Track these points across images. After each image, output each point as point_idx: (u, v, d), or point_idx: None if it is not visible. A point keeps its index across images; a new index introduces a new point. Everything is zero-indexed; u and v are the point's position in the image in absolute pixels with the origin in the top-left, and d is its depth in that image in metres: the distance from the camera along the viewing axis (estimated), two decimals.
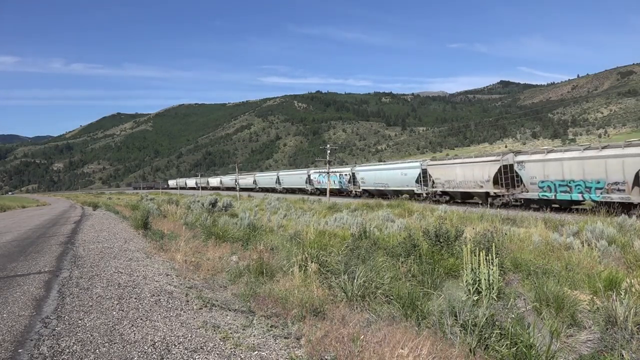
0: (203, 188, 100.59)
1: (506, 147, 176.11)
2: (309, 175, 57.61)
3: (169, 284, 6.04)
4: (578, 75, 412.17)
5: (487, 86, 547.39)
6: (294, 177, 61.78)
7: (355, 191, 43.80)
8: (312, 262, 6.47)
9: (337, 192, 47.38)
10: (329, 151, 44.15)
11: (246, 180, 77.69)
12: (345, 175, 46.49)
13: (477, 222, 15.34)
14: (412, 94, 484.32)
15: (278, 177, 65.91)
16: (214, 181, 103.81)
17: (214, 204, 24.95)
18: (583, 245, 9.72)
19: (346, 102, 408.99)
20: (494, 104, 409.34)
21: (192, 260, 8.01)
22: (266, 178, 73.23)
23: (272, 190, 66.11)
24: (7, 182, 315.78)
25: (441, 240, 8.78)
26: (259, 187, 73.24)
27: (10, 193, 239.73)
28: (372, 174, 41.27)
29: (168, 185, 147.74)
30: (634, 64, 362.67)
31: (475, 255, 5.86)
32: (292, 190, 60.45)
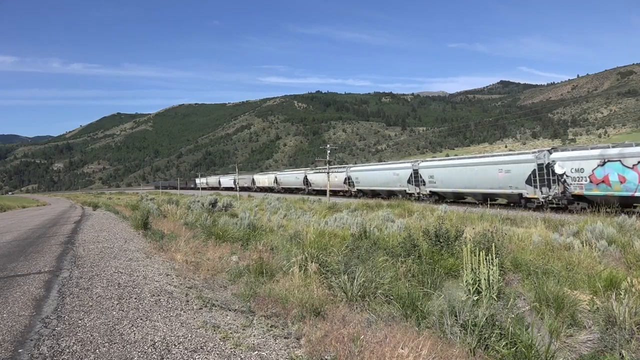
0: (245, 189, 77.70)
1: (506, 147, 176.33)
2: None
3: (169, 284, 6.04)
4: (578, 75, 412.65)
5: (487, 86, 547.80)
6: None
7: None
8: (312, 262, 6.47)
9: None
10: (329, 151, 44.13)
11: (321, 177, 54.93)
12: None
13: (477, 222, 15.34)
14: (412, 94, 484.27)
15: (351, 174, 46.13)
16: (262, 179, 76.55)
17: (214, 204, 24.98)
18: (583, 245, 9.72)
19: (346, 102, 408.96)
20: (494, 104, 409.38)
21: (192, 260, 8.01)
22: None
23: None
24: (7, 182, 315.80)
25: (441, 240, 8.78)
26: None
27: (10, 193, 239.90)
28: None
29: (195, 184, 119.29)
30: (634, 64, 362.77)
31: (475, 255, 5.86)
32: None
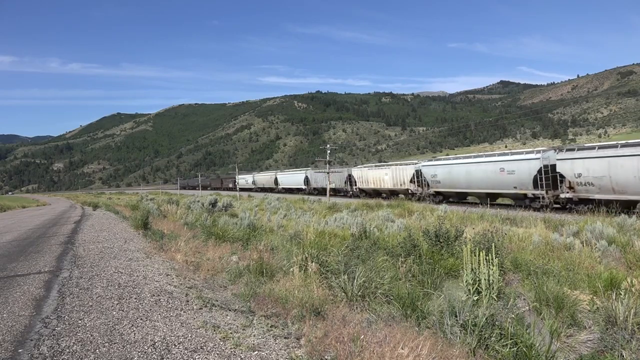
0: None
1: (506, 147, 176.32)
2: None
3: (169, 284, 6.04)
4: (578, 75, 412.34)
5: (487, 86, 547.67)
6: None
7: None
8: (312, 262, 6.47)
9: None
10: (329, 151, 44.11)
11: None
12: None
13: (477, 222, 15.35)
14: (412, 94, 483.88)
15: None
16: (385, 174, 38.55)
17: (214, 204, 24.99)
18: (583, 246, 9.72)
19: (346, 102, 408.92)
20: (494, 104, 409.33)
21: (192, 260, 8.01)
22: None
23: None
24: (7, 182, 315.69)
25: (441, 240, 8.78)
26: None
27: (10, 193, 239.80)
28: None
29: (236, 183, 74.38)
30: (634, 64, 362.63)
31: (475, 255, 5.86)
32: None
